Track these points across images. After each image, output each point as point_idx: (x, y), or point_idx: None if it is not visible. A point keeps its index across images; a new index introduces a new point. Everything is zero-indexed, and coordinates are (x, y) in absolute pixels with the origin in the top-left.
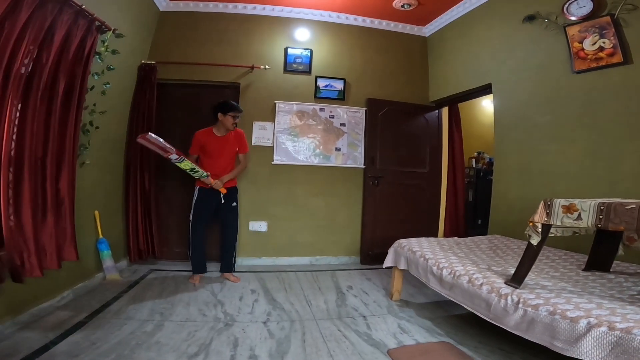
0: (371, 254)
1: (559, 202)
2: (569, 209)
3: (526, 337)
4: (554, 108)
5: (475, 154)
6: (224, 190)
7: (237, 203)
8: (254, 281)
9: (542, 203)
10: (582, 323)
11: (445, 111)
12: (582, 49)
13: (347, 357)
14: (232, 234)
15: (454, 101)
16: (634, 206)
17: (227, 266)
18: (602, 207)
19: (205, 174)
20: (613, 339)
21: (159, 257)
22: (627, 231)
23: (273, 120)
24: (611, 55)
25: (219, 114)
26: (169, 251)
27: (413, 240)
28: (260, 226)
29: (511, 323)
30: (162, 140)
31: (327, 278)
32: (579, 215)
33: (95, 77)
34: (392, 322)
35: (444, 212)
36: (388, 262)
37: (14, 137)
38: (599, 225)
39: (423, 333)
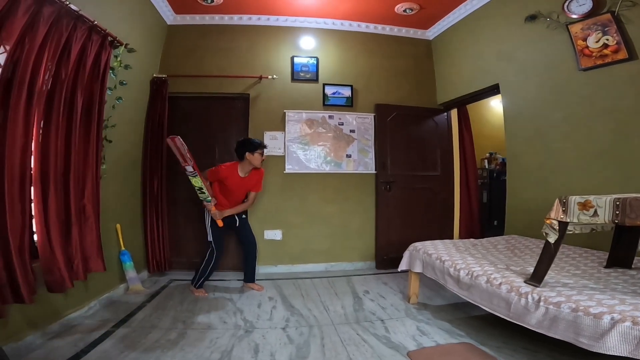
0: (386, 259)
1: (574, 199)
2: (584, 206)
3: (549, 334)
4: (563, 106)
5: (487, 154)
6: (220, 223)
7: (246, 215)
8: (271, 288)
9: (557, 200)
10: (606, 319)
11: (454, 113)
12: (587, 47)
13: None
14: (252, 246)
15: (462, 103)
16: None
17: (251, 276)
18: (617, 203)
19: (209, 198)
20: (638, 333)
21: (174, 267)
22: None
23: (283, 129)
24: (616, 51)
25: (247, 154)
26: (187, 261)
27: (428, 243)
28: (275, 235)
29: (533, 321)
30: (186, 147)
31: (343, 283)
32: (595, 211)
33: (109, 92)
34: (411, 324)
35: (459, 214)
36: (403, 265)
37: (39, 153)
38: (616, 221)
39: (443, 334)
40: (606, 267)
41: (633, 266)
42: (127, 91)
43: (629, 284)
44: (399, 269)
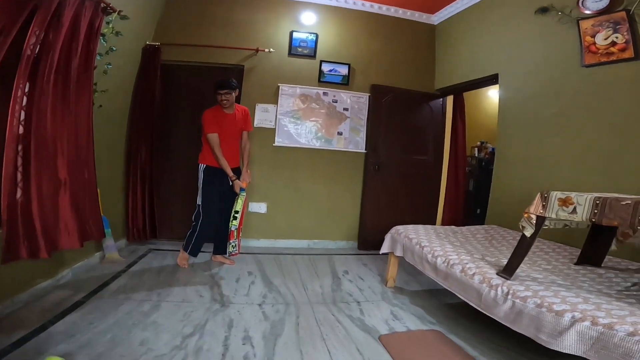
0: (369, 240)
1: (556, 195)
2: (565, 202)
3: (514, 328)
4: (560, 101)
5: (478, 143)
6: (245, 184)
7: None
8: (252, 263)
9: (539, 195)
10: (567, 317)
11: (450, 100)
12: (594, 43)
13: (340, 342)
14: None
15: (460, 90)
16: (629, 202)
17: (224, 247)
18: (597, 202)
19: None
20: (595, 334)
21: (159, 237)
22: (621, 227)
23: (276, 102)
24: (623, 50)
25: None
26: (168, 231)
27: (410, 227)
28: (260, 207)
29: (500, 314)
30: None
31: (324, 262)
32: (574, 208)
33: (98, 57)
34: (386, 308)
35: (444, 200)
36: (384, 248)
37: (23, 117)
38: (593, 220)
39: (415, 320)
40: (576, 263)
41: (602, 265)
42: (117, 58)
43: (595, 282)
44: (381, 252)
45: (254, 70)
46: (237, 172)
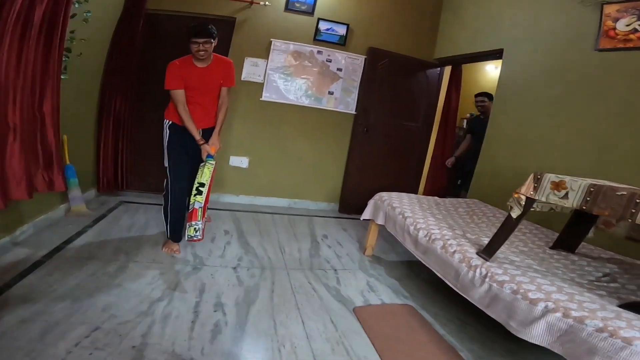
0: (350, 203)
1: (549, 178)
2: (557, 186)
3: (487, 312)
4: (564, 83)
5: (468, 115)
6: (214, 150)
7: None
8: (229, 221)
9: (532, 175)
10: (540, 306)
11: (447, 70)
12: (614, 29)
13: (314, 311)
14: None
15: (459, 62)
16: (624, 193)
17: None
18: (592, 189)
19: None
20: (564, 326)
21: (131, 188)
22: (611, 217)
23: (266, 57)
24: None
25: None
26: (141, 183)
27: (394, 195)
28: (241, 162)
29: (476, 296)
30: None
31: (303, 224)
32: (566, 194)
33: (76, 5)
34: (362, 278)
35: (428, 168)
36: (366, 214)
37: None
38: (584, 208)
39: (389, 293)
40: (551, 247)
41: (576, 251)
42: (98, 6)
43: (569, 269)
44: (362, 218)
45: (247, 23)
46: (207, 132)
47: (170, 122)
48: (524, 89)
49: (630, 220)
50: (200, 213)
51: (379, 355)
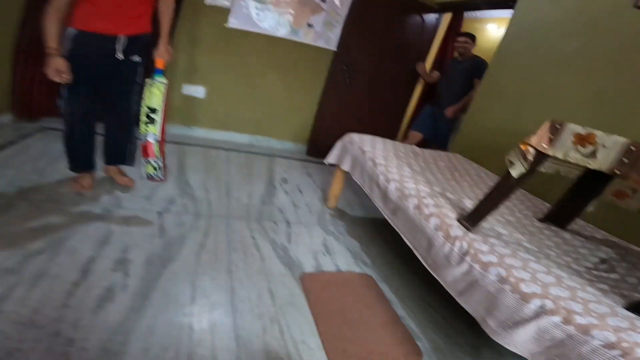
0: (320, 145)
1: (572, 128)
2: (584, 140)
3: (460, 300)
4: (586, 38)
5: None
6: (162, 63)
7: (141, 58)
8: (172, 155)
9: (547, 124)
10: (534, 305)
11: (447, 18)
12: None
13: (250, 276)
14: (127, 106)
15: (462, 8)
16: None
17: (120, 154)
18: (633, 148)
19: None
20: (561, 335)
21: (57, 115)
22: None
23: None
24: None
25: None
26: None
27: (367, 137)
28: (196, 91)
29: (449, 278)
30: None
31: (262, 165)
32: (594, 151)
33: None
34: (319, 236)
35: (410, 117)
36: (332, 158)
37: None
38: (617, 172)
39: (348, 258)
40: (541, 220)
41: (567, 227)
42: None
43: (561, 250)
44: (326, 162)
45: None
46: (137, 41)
47: (77, 32)
48: (533, 42)
49: None
50: (156, 148)
51: (321, 340)
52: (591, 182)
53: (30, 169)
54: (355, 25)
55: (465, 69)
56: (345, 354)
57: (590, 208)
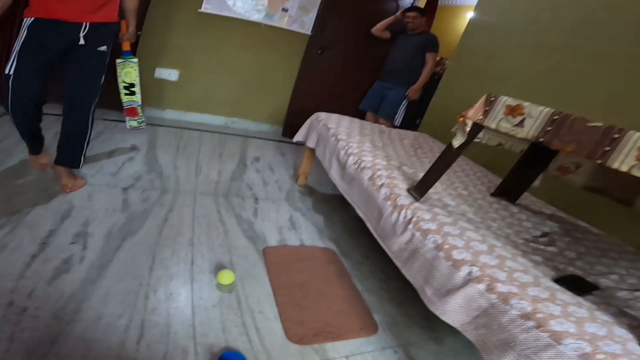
0: (295, 126)
1: (504, 100)
2: (513, 110)
3: (403, 271)
4: (554, 17)
5: (438, 58)
6: (128, 46)
7: (108, 48)
8: (142, 135)
9: (484, 97)
10: (464, 271)
11: (422, 2)
12: None
13: (213, 249)
14: (86, 98)
15: None
16: (599, 125)
17: (70, 155)
18: (555, 117)
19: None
20: (485, 304)
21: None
22: (577, 154)
23: None
24: None
25: None
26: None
27: (334, 116)
28: (169, 74)
29: (394, 247)
30: None
31: (236, 144)
32: (522, 120)
33: None
34: (285, 212)
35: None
36: (299, 135)
37: None
38: (541, 140)
39: (313, 233)
40: (493, 194)
41: (517, 202)
42: None
43: (505, 223)
44: (294, 139)
45: None
46: (102, 29)
47: (33, 20)
48: (498, 22)
49: (600, 161)
50: (139, 109)
51: (278, 311)
52: (536, 158)
53: None
54: (329, 8)
55: (416, 43)
56: (301, 325)
57: (536, 183)
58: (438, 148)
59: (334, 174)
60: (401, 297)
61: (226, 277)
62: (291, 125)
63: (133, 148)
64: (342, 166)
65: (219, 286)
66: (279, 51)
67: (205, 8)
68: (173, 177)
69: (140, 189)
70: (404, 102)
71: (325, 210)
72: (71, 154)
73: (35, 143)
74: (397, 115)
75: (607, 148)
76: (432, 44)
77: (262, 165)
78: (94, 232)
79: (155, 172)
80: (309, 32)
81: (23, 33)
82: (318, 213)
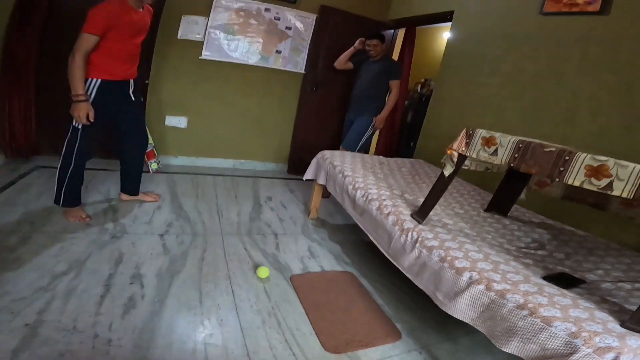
0: (299, 163)
1: (480, 133)
2: (488, 142)
3: (416, 282)
4: (509, 45)
5: (423, 80)
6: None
7: (143, 97)
8: (163, 184)
9: (464, 131)
10: (465, 277)
11: (401, 32)
12: None
13: (247, 280)
14: (142, 143)
15: (414, 23)
16: (553, 149)
17: (136, 186)
18: (520, 145)
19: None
20: (486, 300)
21: (48, 151)
22: (539, 175)
23: (207, 15)
24: (589, 3)
25: None
26: (58, 144)
27: (337, 153)
28: (179, 122)
29: (405, 264)
30: None
31: (247, 186)
32: (496, 150)
33: None
34: (303, 243)
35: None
36: (309, 174)
37: None
38: (512, 165)
39: (330, 260)
40: (486, 210)
41: (509, 214)
42: None
43: (499, 234)
44: (304, 178)
45: None
46: (138, 84)
47: (100, 81)
48: (470, 51)
49: (557, 179)
50: (155, 151)
51: (313, 327)
52: (518, 174)
53: (36, 205)
54: (319, 47)
55: (378, 70)
56: (333, 337)
57: (522, 196)
58: (433, 172)
59: (347, 206)
60: (415, 306)
61: (263, 272)
62: (295, 162)
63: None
64: (352, 199)
65: (258, 303)
66: (276, 91)
67: (205, 55)
68: (199, 222)
69: (174, 234)
70: (368, 130)
71: (338, 238)
72: (136, 184)
73: (77, 193)
74: (359, 145)
75: (562, 168)
76: (396, 71)
77: (275, 204)
78: (146, 273)
79: (183, 218)
80: (302, 71)
81: (92, 92)
82: (332, 242)
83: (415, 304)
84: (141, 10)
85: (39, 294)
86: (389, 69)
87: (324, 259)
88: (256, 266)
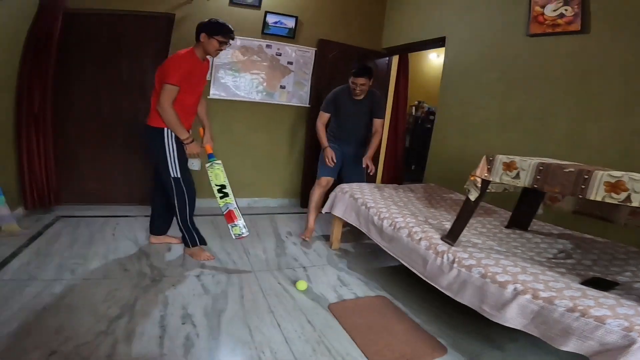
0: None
1: (500, 159)
2: (509, 167)
3: (457, 298)
4: (501, 67)
5: (416, 102)
6: (210, 149)
7: None
8: None
9: (484, 158)
10: (510, 289)
11: (395, 59)
12: (542, 14)
13: (289, 313)
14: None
15: (406, 50)
16: (572, 170)
17: (166, 227)
18: (541, 168)
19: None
20: (536, 307)
21: (67, 201)
22: (561, 194)
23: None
24: (569, 23)
25: (203, 35)
26: (78, 193)
27: (355, 185)
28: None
29: (444, 283)
30: None
31: (265, 223)
32: (518, 173)
33: None
34: (332, 273)
35: (384, 156)
36: (328, 207)
37: None
38: (535, 186)
39: (361, 286)
40: (507, 227)
41: (529, 229)
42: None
43: (526, 248)
44: (323, 211)
45: (187, 20)
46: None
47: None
48: (465, 74)
49: (580, 196)
50: (238, 212)
51: (361, 350)
52: (533, 191)
53: (70, 254)
54: (320, 80)
55: (367, 109)
56: (382, 356)
57: (539, 211)
58: (447, 195)
59: (374, 236)
60: (453, 321)
61: (302, 284)
62: (307, 196)
63: None
64: (379, 229)
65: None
66: (284, 126)
67: (214, 94)
68: (230, 262)
69: (210, 275)
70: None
71: (365, 266)
72: (164, 225)
73: (200, 235)
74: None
75: (583, 186)
76: (382, 108)
77: (296, 238)
78: (194, 313)
79: (214, 259)
80: (307, 104)
81: (173, 143)
82: (360, 269)
83: (453, 319)
84: (204, 62)
85: (101, 338)
86: (376, 106)
87: (355, 286)
88: (294, 282)
